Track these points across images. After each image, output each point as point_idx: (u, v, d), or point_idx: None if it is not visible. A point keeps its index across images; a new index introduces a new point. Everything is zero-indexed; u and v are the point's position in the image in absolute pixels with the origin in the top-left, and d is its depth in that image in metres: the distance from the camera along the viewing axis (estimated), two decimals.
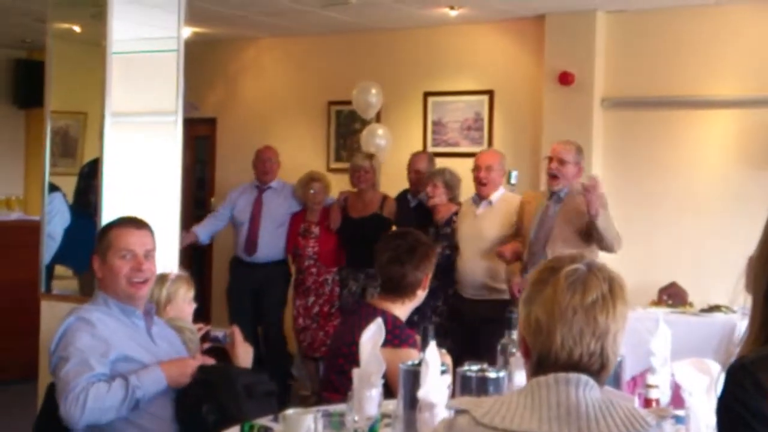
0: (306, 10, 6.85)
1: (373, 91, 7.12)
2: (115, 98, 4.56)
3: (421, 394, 2.34)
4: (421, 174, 6.19)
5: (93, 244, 3.24)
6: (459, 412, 1.80)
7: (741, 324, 5.10)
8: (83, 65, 5.10)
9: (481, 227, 5.51)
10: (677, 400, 2.76)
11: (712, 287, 5.69)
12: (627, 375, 3.17)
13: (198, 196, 8.55)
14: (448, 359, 2.80)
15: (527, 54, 6.99)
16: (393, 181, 6.58)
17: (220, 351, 3.33)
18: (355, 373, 2.52)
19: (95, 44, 4.64)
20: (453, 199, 5.84)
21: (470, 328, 5.24)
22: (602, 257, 4.77)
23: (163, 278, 3.46)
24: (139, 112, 4.80)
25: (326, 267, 6.45)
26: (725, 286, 5.46)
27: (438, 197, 5.77)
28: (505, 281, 5.41)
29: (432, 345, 2.44)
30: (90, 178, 4.82)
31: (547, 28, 6.76)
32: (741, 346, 1.48)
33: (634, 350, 3.11)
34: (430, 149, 7.09)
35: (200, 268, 8.07)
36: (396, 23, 7.27)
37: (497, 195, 5.59)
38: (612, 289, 1.77)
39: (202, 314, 4.07)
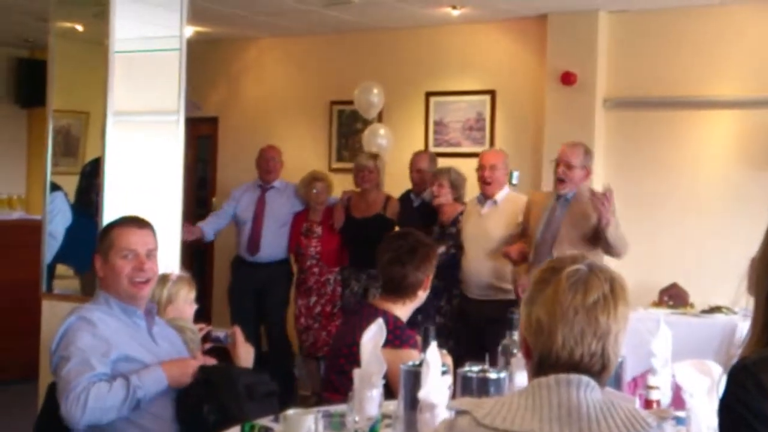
0: (308, 10, 6.85)
1: (375, 90, 7.12)
2: (117, 97, 4.56)
3: (422, 394, 2.34)
4: (423, 173, 6.19)
5: (94, 244, 3.24)
6: (460, 412, 1.80)
7: (742, 325, 5.10)
8: (85, 64, 5.10)
9: (486, 227, 5.50)
10: (678, 401, 2.76)
11: (713, 288, 5.69)
12: (628, 376, 3.17)
13: (199, 196, 8.55)
14: (449, 360, 2.81)
15: (529, 54, 6.99)
16: (394, 181, 6.58)
17: (222, 351, 3.33)
18: (356, 373, 2.52)
19: (97, 43, 4.64)
20: (458, 198, 5.83)
21: (476, 329, 5.22)
22: (605, 260, 4.76)
23: (164, 279, 3.46)
24: (141, 111, 4.80)
25: (328, 267, 6.44)
26: (726, 288, 5.48)
27: (443, 196, 5.76)
28: (511, 281, 5.38)
29: (433, 345, 2.44)
30: (92, 177, 4.82)
31: (549, 28, 6.76)
32: (743, 348, 1.48)
33: (635, 351, 3.11)
34: (432, 149, 7.09)
35: (201, 268, 8.07)
36: (398, 23, 7.27)
37: (502, 194, 5.57)
38: (613, 290, 1.77)
39: (203, 314, 4.07)
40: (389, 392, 2.67)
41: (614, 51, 6.64)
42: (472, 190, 5.86)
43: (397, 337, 3.14)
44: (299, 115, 7.99)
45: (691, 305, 5.74)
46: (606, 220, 4.77)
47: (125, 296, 3.04)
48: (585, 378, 1.72)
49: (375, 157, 6.47)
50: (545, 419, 1.69)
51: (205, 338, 3.46)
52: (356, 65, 7.61)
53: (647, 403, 2.84)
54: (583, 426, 1.67)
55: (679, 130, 6.46)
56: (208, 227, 6.70)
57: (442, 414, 2.28)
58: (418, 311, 3.51)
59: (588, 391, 1.71)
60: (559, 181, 5.05)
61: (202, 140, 8.53)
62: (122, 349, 2.94)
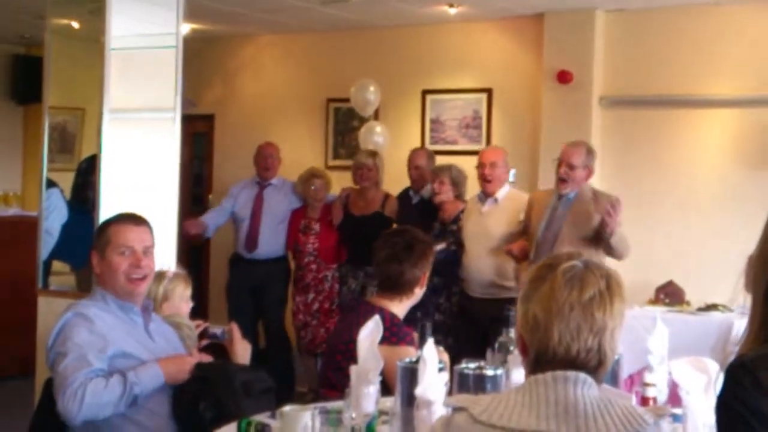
0: (305, 7, 6.85)
1: (372, 88, 7.12)
2: (113, 94, 4.56)
3: (419, 391, 2.34)
4: (421, 170, 6.18)
5: (90, 240, 3.24)
6: (456, 409, 1.80)
7: (738, 323, 5.11)
8: (82, 61, 5.09)
9: (487, 225, 5.48)
10: (674, 398, 2.76)
11: (710, 286, 5.70)
12: (624, 373, 3.16)
13: (195, 193, 8.55)
14: (446, 357, 2.81)
15: (526, 52, 6.99)
16: (390, 179, 6.57)
17: (219, 348, 3.33)
18: (353, 370, 2.52)
19: (94, 40, 4.64)
20: (459, 196, 5.81)
21: (478, 327, 5.20)
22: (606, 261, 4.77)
23: (160, 275, 3.46)
24: (138, 108, 4.80)
25: (326, 263, 6.44)
26: (723, 286, 5.50)
27: (444, 194, 5.75)
28: (513, 279, 5.37)
29: (429, 342, 2.44)
30: (88, 174, 4.82)
31: (546, 27, 6.76)
32: (740, 345, 1.49)
33: (632, 348, 3.11)
34: (428, 147, 7.08)
35: (198, 265, 8.07)
36: (395, 21, 7.27)
37: (503, 192, 5.56)
38: (609, 286, 1.78)
39: (199, 311, 4.07)
40: (386, 389, 2.67)
41: (611, 49, 6.64)
42: (471, 188, 5.85)
43: (394, 334, 3.14)
44: (296, 113, 7.99)
45: (688, 303, 5.75)
46: (611, 231, 4.78)
47: (122, 293, 3.04)
48: (582, 375, 1.72)
49: (374, 154, 6.46)
50: (542, 416, 1.69)
51: (202, 335, 3.46)
52: (353, 63, 7.61)
53: (644, 401, 2.84)
54: (581, 423, 1.67)
55: (676, 128, 6.47)
56: (210, 222, 6.70)
57: (439, 411, 2.28)
58: (416, 308, 3.51)
59: (585, 388, 1.71)
60: (561, 180, 5.04)
61: (199, 137, 8.53)
62: (119, 345, 2.94)
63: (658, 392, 2.89)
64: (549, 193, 5.23)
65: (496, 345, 2.93)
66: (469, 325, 5.39)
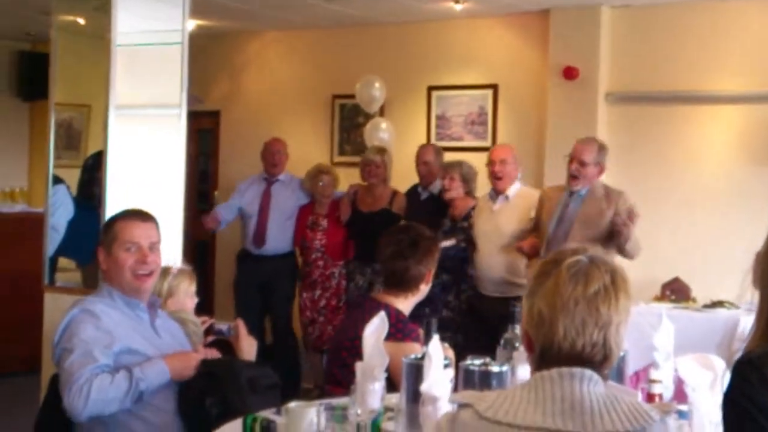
0: (311, 3, 6.85)
1: (377, 84, 7.11)
2: (119, 91, 4.56)
3: (424, 387, 2.34)
4: (429, 165, 6.17)
5: (96, 237, 3.24)
6: (462, 406, 1.80)
7: (744, 320, 5.10)
8: (87, 58, 5.10)
9: (499, 223, 5.46)
10: (680, 395, 2.76)
11: (715, 283, 5.69)
12: (630, 370, 3.16)
13: (201, 189, 8.55)
14: (451, 353, 2.81)
15: (532, 48, 6.98)
16: (395, 175, 6.56)
17: (224, 344, 3.33)
18: (358, 366, 2.52)
19: (99, 37, 4.64)
20: (469, 192, 5.79)
21: (490, 326, 5.18)
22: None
23: (165, 271, 3.46)
24: (143, 104, 4.80)
25: (333, 260, 6.44)
26: (728, 282, 5.48)
27: (454, 190, 5.73)
28: (525, 276, 5.35)
29: (435, 339, 2.44)
30: (94, 170, 4.82)
31: (551, 23, 6.75)
32: (748, 341, 1.49)
33: (637, 345, 3.11)
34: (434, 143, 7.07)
35: (204, 261, 8.08)
36: (400, 17, 7.26)
37: (514, 189, 5.54)
38: (614, 281, 1.77)
39: (204, 308, 4.07)
40: (391, 385, 2.67)
41: (617, 46, 6.63)
42: (480, 185, 5.84)
43: (399, 330, 3.15)
44: (301, 109, 7.99)
45: (693, 300, 5.74)
46: (625, 239, 4.79)
47: (128, 289, 3.04)
48: (588, 372, 1.72)
49: (382, 151, 6.45)
50: (548, 413, 1.69)
51: (208, 331, 3.46)
52: (358, 59, 7.61)
53: (649, 397, 2.84)
54: (587, 420, 1.67)
55: (682, 124, 6.45)
56: (222, 216, 6.69)
57: (445, 407, 2.28)
58: (425, 305, 3.51)
59: (591, 385, 1.71)
60: (572, 177, 5.02)
61: (204, 134, 8.53)
62: (125, 341, 2.94)
63: (664, 389, 2.89)
64: (560, 190, 5.20)
65: (502, 341, 2.93)
66: (479, 323, 5.37)
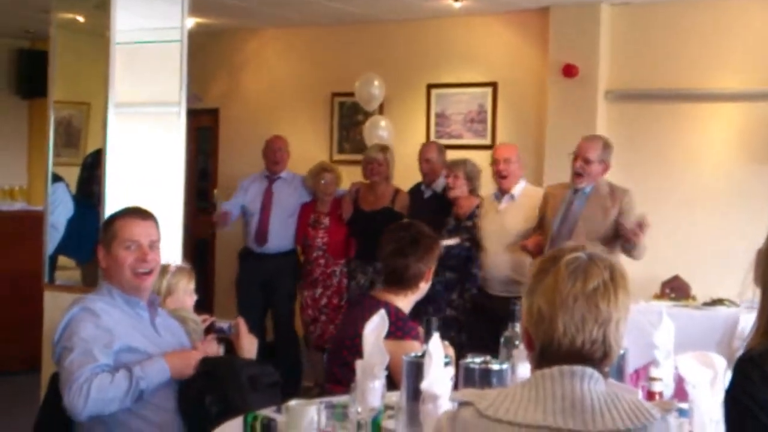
0: (309, 1, 6.84)
1: (376, 83, 7.11)
2: (118, 89, 4.56)
3: (425, 385, 2.34)
4: (432, 163, 6.15)
5: (96, 235, 3.24)
6: (462, 404, 1.80)
7: (744, 318, 5.10)
8: (87, 56, 5.09)
9: (504, 222, 5.45)
10: (681, 393, 2.76)
11: (715, 281, 5.69)
12: (630, 368, 3.16)
13: (200, 187, 8.54)
14: (451, 351, 2.81)
15: (531, 46, 6.97)
16: (395, 174, 6.55)
17: (225, 342, 3.33)
18: (359, 364, 2.52)
19: (99, 35, 4.64)
20: (473, 190, 5.77)
21: (496, 325, 5.17)
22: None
23: (164, 269, 3.46)
24: (143, 102, 4.80)
25: (334, 258, 6.43)
26: (728, 280, 5.48)
27: (459, 189, 5.70)
28: None
29: (435, 337, 2.44)
30: (93, 168, 4.82)
31: (551, 20, 6.75)
32: (749, 339, 1.48)
33: (637, 343, 3.11)
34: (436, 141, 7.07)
35: (204, 260, 8.07)
36: (400, 14, 7.25)
37: (519, 188, 5.53)
38: (613, 277, 1.77)
39: (205, 306, 4.08)
40: (392, 383, 2.68)
41: (616, 43, 6.62)
42: (484, 184, 5.83)
43: (399, 328, 3.15)
44: (301, 107, 7.98)
45: (693, 297, 5.73)
46: (633, 245, 4.80)
47: (128, 287, 3.04)
48: (589, 370, 1.72)
49: (385, 149, 6.43)
50: (549, 411, 1.69)
51: (209, 329, 3.46)
52: (357, 57, 7.60)
53: (650, 395, 2.84)
54: (587, 418, 1.67)
55: (682, 122, 6.45)
56: (233, 212, 6.67)
57: (445, 405, 2.28)
58: (428, 303, 3.51)
59: (592, 383, 1.71)
60: (577, 175, 5.01)
61: (203, 132, 8.52)
62: (125, 339, 2.94)
63: (665, 387, 2.89)
64: (564, 187, 5.18)
65: (502, 339, 2.93)
66: (483, 323, 5.35)
